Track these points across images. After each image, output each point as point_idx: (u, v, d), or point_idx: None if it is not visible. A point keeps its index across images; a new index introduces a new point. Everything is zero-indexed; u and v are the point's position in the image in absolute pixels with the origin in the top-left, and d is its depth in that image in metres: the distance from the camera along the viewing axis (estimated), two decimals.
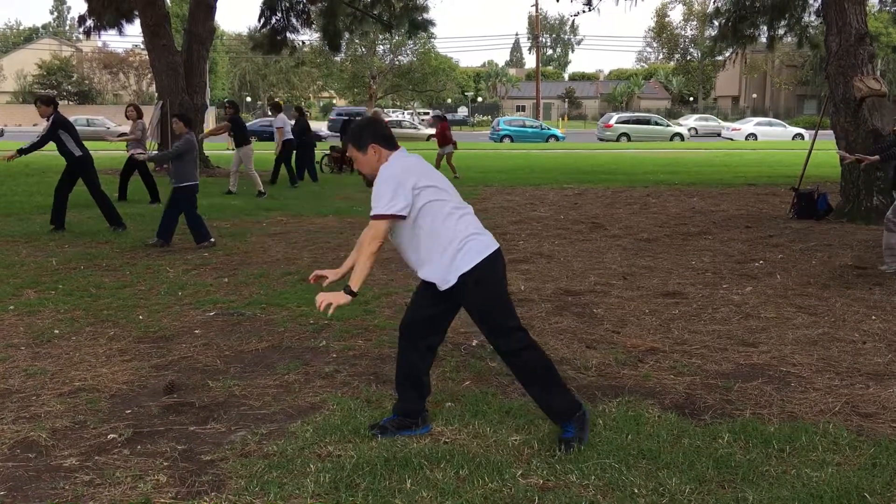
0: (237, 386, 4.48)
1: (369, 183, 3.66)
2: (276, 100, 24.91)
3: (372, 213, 3.49)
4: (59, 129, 9.63)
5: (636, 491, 3.19)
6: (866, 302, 6.46)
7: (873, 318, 5.96)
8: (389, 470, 3.34)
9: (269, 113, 15.06)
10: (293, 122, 17.87)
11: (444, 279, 3.55)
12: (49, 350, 5.14)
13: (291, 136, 16.51)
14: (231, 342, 5.34)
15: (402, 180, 3.48)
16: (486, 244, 3.59)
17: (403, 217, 3.49)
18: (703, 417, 4.03)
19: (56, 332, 5.54)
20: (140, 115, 13.10)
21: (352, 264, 3.74)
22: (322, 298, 3.49)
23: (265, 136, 31.60)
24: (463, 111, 69.06)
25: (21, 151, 9.79)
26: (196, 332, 5.60)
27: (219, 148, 25.99)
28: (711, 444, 3.63)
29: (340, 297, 3.48)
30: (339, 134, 20.21)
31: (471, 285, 3.52)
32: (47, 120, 9.67)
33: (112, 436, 3.77)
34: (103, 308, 6.20)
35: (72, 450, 3.63)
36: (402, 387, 3.81)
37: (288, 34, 21.55)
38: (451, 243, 3.53)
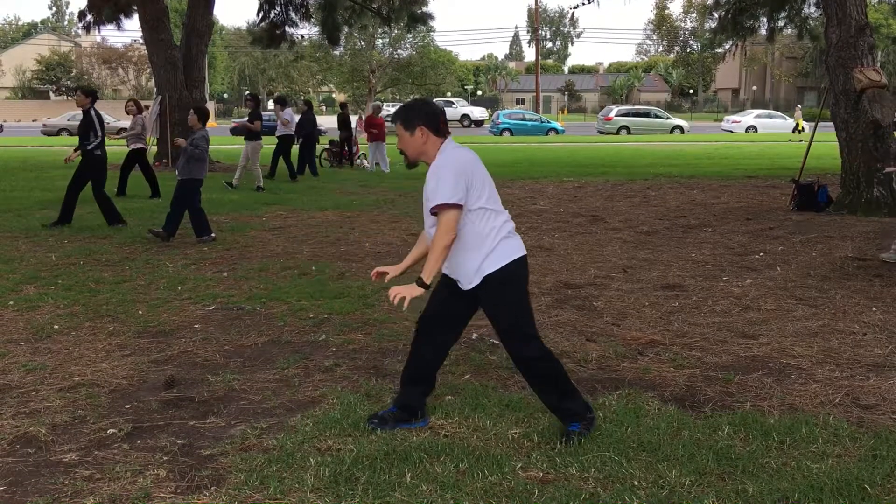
0: (237, 380, 4.47)
1: (410, 165, 3.62)
2: (279, 93, 24.88)
3: (437, 204, 3.39)
4: (96, 123, 9.53)
5: (636, 483, 3.19)
6: (866, 293, 6.45)
7: (873, 309, 5.96)
8: (389, 464, 3.34)
9: (271, 107, 15.02)
10: (299, 115, 17.83)
11: (469, 280, 3.54)
12: (48, 345, 5.14)
13: (290, 132, 16.49)
14: (230, 337, 5.34)
15: (460, 171, 3.43)
16: (515, 247, 3.56)
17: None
18: (703, 410, 4.02)
19: (55, 327, 5.54)
20: (140, 110, 13.07)
21: (413, 261, 3.73)
22: (396, 291, 3.44)
23: (264, 129, 31.56)
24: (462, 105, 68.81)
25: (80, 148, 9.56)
26: (196, 326, 5.59)
27: (218, 143, 25.87)
28: (711, 437, 3.63)
29: (414, 290, 3.42)
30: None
31: (494, 286, 3.51)
32: (84, 110, 9.50)
33: (112, 431, 3.77)
34: (103, 303, 6.20)
35: (71, 445, 3.63)
36: (409, 381, 3.81)
37: (287, 28, 21.52)
38: (482, 245, 3.49)
